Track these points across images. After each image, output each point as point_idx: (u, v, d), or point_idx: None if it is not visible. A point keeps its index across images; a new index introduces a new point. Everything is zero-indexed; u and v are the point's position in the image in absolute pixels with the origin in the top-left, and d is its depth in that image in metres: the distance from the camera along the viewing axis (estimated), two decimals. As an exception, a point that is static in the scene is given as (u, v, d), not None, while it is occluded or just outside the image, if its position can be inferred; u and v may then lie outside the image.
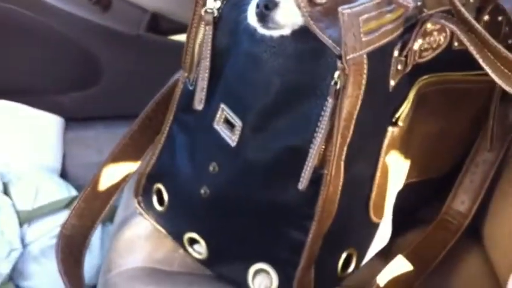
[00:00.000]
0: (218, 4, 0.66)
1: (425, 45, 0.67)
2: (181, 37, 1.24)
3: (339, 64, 0.57)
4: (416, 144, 0.72)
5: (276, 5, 0.58)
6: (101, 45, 1.23)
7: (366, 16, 0.56)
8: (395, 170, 0.69)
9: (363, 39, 0.56)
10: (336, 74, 0.57)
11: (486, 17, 0.71)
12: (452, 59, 0.69)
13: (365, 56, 0.57)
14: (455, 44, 0.69)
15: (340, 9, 0.55)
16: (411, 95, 0.68)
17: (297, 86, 0.61)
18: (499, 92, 0.75)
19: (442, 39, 0.68)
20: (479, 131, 0.80)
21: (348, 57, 0.56)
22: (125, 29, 1.22)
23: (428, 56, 0.68)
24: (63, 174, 1.25)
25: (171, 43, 1.25)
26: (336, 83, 0.58)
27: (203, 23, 0.67)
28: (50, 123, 1.24)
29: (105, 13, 1.21)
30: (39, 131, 1.22)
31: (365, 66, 0.57)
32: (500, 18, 0.72)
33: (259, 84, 0.62)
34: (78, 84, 1.26)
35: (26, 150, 1.20)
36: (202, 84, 0.68)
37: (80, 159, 1.27)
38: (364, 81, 0.58)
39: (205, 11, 0.66)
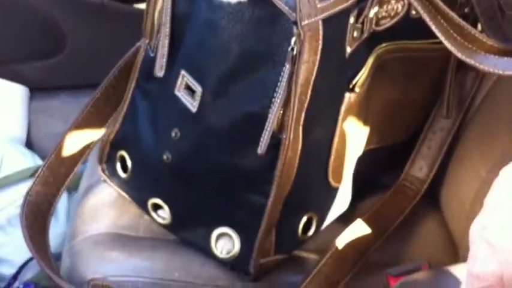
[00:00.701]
0: (177, -30, 0.66)
1: (383, 13, 0.68)
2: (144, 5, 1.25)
3: (294, 30, 0.57)
4: (375, 111, 0.74)
5: None
6: (64, 13, 1.21)
7: None
8: (354, 135, 0.71)
9: (318, 5, 0.57)
10: (293, 40, 0.58)
11: None
12: (410, 27, 0.70)
13: (320, 22, 0.58)
14: (413, 12, 0.70)
15: None
16: (369, 62, 0.69)
17: (254, 52, 0.61)
18: (456, 59, 0.77)
19: (399, 7, 0.69)
20: (437, 99, 0.82)
21: (303, 23, 0.57)
22: (87, -3, 1.20)
23: (386, 24, 0.69)
24: (29, 144, 1.24)
25: (135, 11, 1.24)
26: (292, 49, 0.59)
27: (163, -11, 0.67)
28: (13, 93, 1.22)
29: (68, -20, 1.20)
30: (2, 101, 1.21)
31: (320, 32, 0.58)
32: None
33: (217, 50, 0.63)
34: (41, 53, 1.25)
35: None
36: (163, 50, 0.68)
37: (46, 129, 1.26)
38: (320, 47, 0.59)
39: None
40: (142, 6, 1.25)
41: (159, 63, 0.69)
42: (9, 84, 1.23)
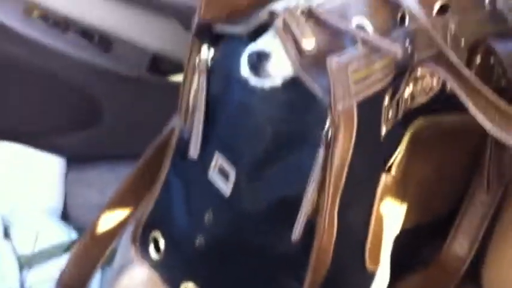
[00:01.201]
0: (212, 53, 0.66)
1: (418, 89, 0.67)
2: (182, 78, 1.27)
3: (328, 114, 0.57)
4: (412, 188, 0.72)
5: (267, 56, 0.59)
6: (101, 86, 1.24)
7: (354, 65, 0.57)
8: (391, 216, 0.69)
9: (352, 89, 0.57)
10: (327, 123, 0.58)
11: (478, 59, 0.72)
12: (446, 100, 0.69)
13: (355, 105, 0.57)
14: (449, 87, 0.69)
15: (328, 59, 0.55)
16: (405, 140, 0.68)
17: (288, 135, 0.61)
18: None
19: (434, 82, 0.68)
20: (476, 172, 0.79)
21: (337, 108, 0.56)
22: (126, 70, 1.23)
23: (422, 100, 0.68)
24: (65, 215, 1.25)
25: (171, 83, 1.27)
26: (326, 133, 0.58)
27: (197, 71, 0.68)
28: (50, 164, 1.24)
29: (105, 54, 1.22)
30: (39, 173, 1.23)
31: (355, 116, 0.57)
32: (492, 60, 0.73)
33: (251, 133, 0.63)
34: (78, 124, 1.27)
35: (27, 192, 1.20)
36: (197, 132, 0.68)
37: (82, 199, 1.27)
38: (354, 131, 0.58)
39: (200, 60, 0.66)
40: (177, 78, 1.28)
41: (194, 144, 0.69)
42: (46, 156, 1.25)
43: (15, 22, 1.20)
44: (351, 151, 0.59)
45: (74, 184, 1.27)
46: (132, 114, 1.27)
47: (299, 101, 0.59)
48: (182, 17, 1.13)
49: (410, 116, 0.67)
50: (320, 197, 0.60)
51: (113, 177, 1.24)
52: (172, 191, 0.74)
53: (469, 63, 0.71)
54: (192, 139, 0.69)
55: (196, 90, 0.69)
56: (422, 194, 0.74)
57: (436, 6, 0.69)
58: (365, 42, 0.59)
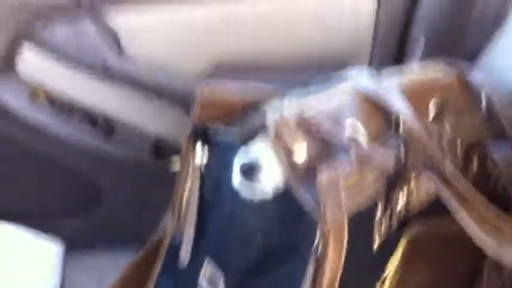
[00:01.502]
0: (205, 160, 0.66)
1: (414, 197, 0.66)
2: None
3: (318, 229, 0.55)
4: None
5: (258, 169, 0.58)
6: (102, 171, 1.23)
7: (346, 178, 0.56)
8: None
9: (343, 204, 0.55)
10: (317, 238, 0.56)
11: (475, 163, 0.71)
12: (442, 206, 0.67)
13: (345, 221, 0.56)
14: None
15: (318, 173, 0.54)
16: (400, 248, 0.66)
17: (279, 247, 0.60)
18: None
19: (431, 189, 0.67)
20: (474, 277, 0.77)
21: (326, 223, 0.55)
22: (128, 154, 1.22)
23: (418, 206, 0.66)
24: (62, 302, 1.22)
25: (171, 170, 1.26)
26: (317, 247, 0.56)
27: (191, 177, 0.67)
28: (48, 249, 1.22)
29: (108, 138, 1.22)
30: (37, 257, 1.21)
31: (345, 231, 0.56)
32: (489, 161, 0.71)
33: (242, 243, 0.62)
34: (78, 209, 1.26)
35: (25, 277, 1.18)
36: (188, 237, 0.67)
37: (80, 286, 1.24)
38: (344, 247, 0.56)
39: (194, 166, 0.66)
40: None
41: (185, 249, 0.68)
42: (44, 240, 1.23)
43: (21, 105, 1.21)
44: (341, 266, 0.57)
45: (73, 270, 1.25)
46: (133, 199, 1.26)
47: (290, 214, 0.58)
48: (186, 103, 1.14)
49: (406, 222, 0.66)
50: (310, 314, 0.58)
51: (112, 263, 1.21)
52: (163, 291, 0.73)
53: (465, 167, 0.70)
54: (183, 243, 0.68)
55: (188, 196, 0.68)
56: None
57: (432, 109, 0.69)
58: (359, 152, 0.58)
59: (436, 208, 0.68)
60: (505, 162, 0.69)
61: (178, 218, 0.70)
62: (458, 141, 0.69)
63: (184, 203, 0.69)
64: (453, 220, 0.69)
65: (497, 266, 0.75)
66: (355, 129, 0.61)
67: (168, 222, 0.76)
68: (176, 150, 1.26)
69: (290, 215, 0.59)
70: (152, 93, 1.15)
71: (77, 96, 1.20)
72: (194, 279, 0.66)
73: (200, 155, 0.66)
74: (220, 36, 1.12)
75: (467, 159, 0.70)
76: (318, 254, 0.56)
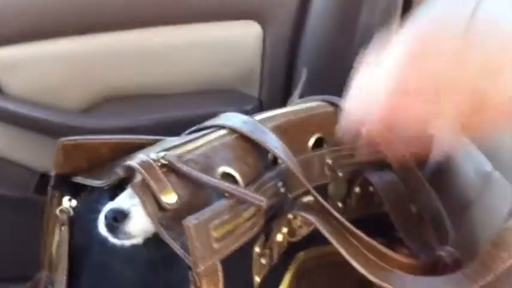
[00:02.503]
0: (74, 203, 0.63)
1: (298, 224, 0.65)
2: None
3: (190, 276, 0.53)
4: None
5: (125, 216, 0.56)
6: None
7: (216, 222, 0.54)
8: None
9: (215, 246, 0.53)
10: (190, 283, 0.54)
11: (357, 189, 0.72)
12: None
13: (218, 263, 0.54)
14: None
15: (184, 221, 0.52)
16: (287, 278, 0.65)
17: None
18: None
19: (296, 220, 0.66)
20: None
21: (197, 269, 0.52)
22: (10, 192, 1.16)
23: (303, 233, 0.66)
24: None
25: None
26: None
27: (58, 223, 0.63)
28: None
29: (-12, 176, 1.16)
30: None
31: (219, 274, 0.54)
32: (371, 188, 0.73)
33: None
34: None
35: None
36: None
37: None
38: None
39: (60, 211, 0.62)
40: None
41: (58, 301, 0.63)
42: None
43: None
44: (219, 310, 0.55)
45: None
46: (15, 237, 1.20)
47: (162, 260, 0.56)
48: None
49: (291, 250, 0.65)
50: None
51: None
52: None
53: (348, 193, 0.71)
54: (56, 295, 0.64)
55: (58, 241, 0.64)
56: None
57: (311, 141, 0.69)
58: (230, 194, 0.56)
59: (319, 236, 0.68)
60: (383, 187, 0.70)
61: (50, 268, 0.66)
62: (340, 171, 0.70)
63: (54, 251, 0.65)
64: (334, 247, 0.70)
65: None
66: (228, 175, 0.60)
67: (36, 279, 0.71)
68: None
69: (162, 261, 0.56)
70: (33, 129, 1.11)
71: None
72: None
73: (67, 202, 0.63)
74: (106, 68, 1.10)
75: (350, 186, 0.71)
76: None
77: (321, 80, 0.99)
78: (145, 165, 0.55)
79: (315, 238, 0.67)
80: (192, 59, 1.11)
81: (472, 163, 0.74)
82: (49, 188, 0.63)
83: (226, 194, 0.56)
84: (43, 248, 0.66)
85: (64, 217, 0.62)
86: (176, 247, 0.54)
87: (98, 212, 0.58)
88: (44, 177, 1.19)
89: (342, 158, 0.71)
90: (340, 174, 0.70)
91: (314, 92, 0.80)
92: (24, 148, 1.16)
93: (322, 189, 0.65)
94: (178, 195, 0.56)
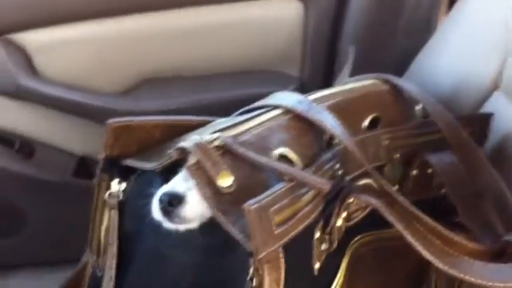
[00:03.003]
0: (123, 186, 0.60)
1: (354, 208, 0.62)
2: None
3: (251, 262, 0.51)
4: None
5: (181, 200, 0.53)
6: (24, 194, 1.16)
7: (277, 206, 0.51)
8: None
9: (276, 232, 0.51)
10: (251, 270, 0.51)
11: (415, 171, 0.69)
12: (380, 218, 0.65)
13: (280, 249, 0.51)
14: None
15: (245, 205, 0.49)
16: (343, 265, 0.63)
17: (208, 282, 0.55)
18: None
19: (357, 203, 0.64)
20: (420, 285, 0.75)
21: (259, 255, 0.50)
22: (50, 176, 1.16)
23: (358, 217, 0.63)
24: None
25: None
26: (251, 279, 0.52)
27: (108, 207, 0.61)
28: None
29: (28, 161, 1.16)
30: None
31: (281, 260, 0.52)
32: (429, 170, 0.69)
33: (167, 280, 0.56)
34: (2, 231, 1.19)
35: None
36: (110, 273, 0.61)
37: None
38: (282, 277, 0.52)
39: (110, 195, 0.60)
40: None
41: (106, 286, 0.61)
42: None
43: None
44: (280, 294, 0.52)
45: (-4, 292, 1.18)
46: (57, 220, 1.19)
47: (218, 246, 0.54)
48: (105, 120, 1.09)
49: (347, 236, 0.62)
50: None
51: (35, 285, 1.15)
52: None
53: (405, 176, 0.68)
54: (105, 279, 0.62)
55: (107, 226, 0.62)
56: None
57: (366, 121, 0.66)
58: (290, 177, 0.54)
59: (377, 218, 0.65)
60: (443, 169, 0.66)
61: (98, 252, 0.64)
62: (396, 152, 0.67)
63: (102, 236, 0.64)
64: (392, 231, 0.67)
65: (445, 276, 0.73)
66: (285, 156, 0.58)
67: (86, 258, 0.70)
68: None
69: (219, 247, 0.54)
70: (70, 112, 1.10)
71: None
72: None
73: (117, 185, 0.60)
74: (145, 49, 1.08)
75: (406, 168, 0.68)
76: (254, 285, 0.51)
77: (367, 58, 0.96)
78: (200, 147, 0.53)
79: (369, 223, 0.64)
80: (232, 39, 1.09)
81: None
82: (98, 171, 0.61)
83: (285, 177, 0.54)
84: (91, 232, 0.65)
85: (113, 201, 0.60)
86: (235, 232, 0.51)
87: (150, 195, 0.56)
88: (82, 160, 1.19)
89: (399, 138, 0.68)
90: (397, 155, 0.67)
91: (359, 72, 0.77)
92: (62, 132, 1.16)
93: (377, 172, 0.62)
94: (235, 178, 0.53)
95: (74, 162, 1.18)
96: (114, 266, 0.61)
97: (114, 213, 0.60)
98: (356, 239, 0.64)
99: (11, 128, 1.14)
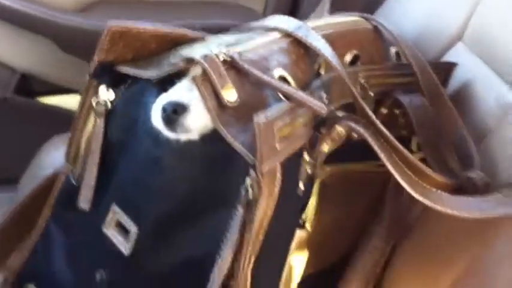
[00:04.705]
0: (112, 96, 0.59)
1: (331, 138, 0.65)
2: (53, 100, 1.18)
3: (251, 173, 0.52)
4: (317, 236, 0.69)
5: (185, 109, 0.53)
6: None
7: (280, 123, 0.53)
8: (300, 267, 0.66)
9: (278, 148, 0.52)
10: (247, 182, 0.53)
11: (384, 110, 0.72)
12: (352, 149, 0.67)
13: (278, 164, 0.53)
14: (355, 135, 0.68)
15: (255, 118, 0.50)
16: (315, 191, 0.65)
17: (203, 193, 0.56)
18: (394, 179, 0.75)
19: (343, 131, 0.66)
20: (374, 218, 0.79)
21: (262, 167, 0.51)
22: (-9, 91, 1.11)
23: (329, 147, 0.66)
24: None
25: (41, 106, 1.17)
26: (246, 192, 0.53)
27: (93, 114, 0.60)
28: None
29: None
30: None
31: (278, 175, 0.53)
32: (397, 111, 0.73)
33: (161, 189, 0.57)
34: None
35: None
36: (90, 181, 0.60)
37: None
38: (277, 190, 0.54)
39: (98, 102, 0.59)
40: (49, 100, 1.18)
41: (85, 194, 0.61)
42: None
43: None
44: (272, 210, 0.54)
45: None
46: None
47: (217, 157, 0.54)
48: (60, 38, 1.05)
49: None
50: (235, 257, 0.55)
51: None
52: (53, 243, 0.66)
53: (374, 113, 0.70)
54: (83, 188, 0.61)
55: (90, 133, 0.61)
56: (326, 240, 0.71)
57: (348, 57, 0.68)
58: (290, 97, 0.55)
59: (345, 152, 0.68)
60: (413, 109, 0.69)
61: (75, 160, 0.63)
62: (370, 90, 0.69)
63: (83, 143, 0.62)
64: (360, 163, 0.70)
65: (397, 204, 0.77)
66: (283, 78, 0.59)
67: (56, 169, 0.68)
68: (44, 87, 1.18)
69: (218, 159, 0.55)
70: (20, 26, 1.05)
71: None
72: (96, 227, 0.60)
73: (105, 93, 0.59)
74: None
75: (377, 106, 0.70)
76: (250, 198, 0.53)
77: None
78: (208, 59, 0.53)
79: (339, 154, 0.67)
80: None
81: (493, 91, 0.75)
82: (87, 76, 0.59)
83: (282, 97, 0.55)
84: (70, 140, 0.63)
85: (101, 109, 0.59)
86: (236, 145, 0.52)
87: (142, 104, 0.55)
88: (24, 77, 1.15)
89: (375, 77, 0.70)
90: (371, 93, 0.69)
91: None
92: (5, 45, 1.11)
93: (350, 107, 0.64)
94: (238, 93, 0.54)
95: (16, 78, 1.14)
96: (95, 175, 0.60)
97: (100, 121, 0.59)
98: (326, 169, 0.67)
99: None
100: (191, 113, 0.53)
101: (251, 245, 0.54)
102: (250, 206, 0.53)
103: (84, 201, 0.61)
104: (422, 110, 0.70)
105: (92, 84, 0.60)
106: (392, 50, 0.74)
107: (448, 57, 0.82)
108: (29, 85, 1.18)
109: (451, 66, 0.79)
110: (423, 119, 0.70)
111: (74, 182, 0.64)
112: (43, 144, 0.94)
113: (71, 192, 0.63)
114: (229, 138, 0.52)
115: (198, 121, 0.54)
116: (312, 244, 0.68)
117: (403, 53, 0.72)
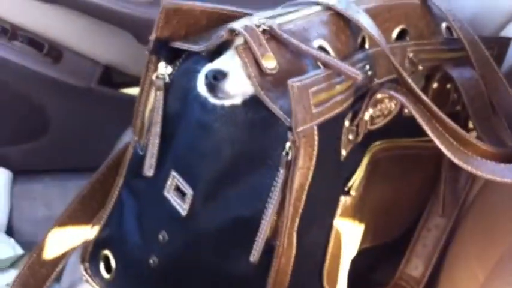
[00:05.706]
0: (170, 70, 0.65)
1: (377, 112, 0.67)
2: (134, 90, 1.24)
3: (289, 136, 0.56)
4: (369, 210, 0.72)
5: (225, 75, 0.58)
6: (50, 97, 1.20)
7: (315, 88, 0.56)
8: (349, 237, 0.69)
9: (313, 111, 0.56)
10: (287, 145, 0.57)
11: (435, 85, 0.73)
12: (403, 124, 0.69)
13: (315, 127, 0.57)
14: (406, 111, 0.70)
15: (289, 81, 0.54)
16: (364, 162, 0.68)
17: (247, 155, 0.60)
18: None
19: (393, 106, 0.69)
20: (430, 195, 0.80)
21: (298, 130, 0.55)
22: (76, 81, 1.20)
23: (380, 122, 0.68)
24: (9, 229, 1.20)
25: (122, 96, 1.24)
26: (287, 154, 0.57)
27: (154, 88, 0.66)
28: (-4, 177, 1.20)
29: (55, 65, 1.19)
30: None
31: (315, 137, 0.57)
32: (448, 85, 0.74)
33: (210, 153, 0.61)
34: (26, 135, 1.23)
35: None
36: (153, 150, 0.66)
37: (27, 213, 1.22)
38: (315, 153, 0.57)
39: (157, 77, 0.65)
40: (129, 91, 1.25)
41: (149, 162, 0.67)
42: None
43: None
44: (311, 173, 0.58)
45: (19, 198, 1.23)
46: (80, 127, 1.24)
47: (259, 121, 0.58)
48: (136, 29, 1.11)
49: (369, 138, 0.67)
50: (279, 218, 0.59)
51: (59, 191, 1.20)
52: (125, 209, 0.72)
53: (425, 88, 0.72)
54: (147, 156, 0.67)
55: (152, 106, 0.67)
56: (379, 216, 0.74)
57: (395, 32, 0.70)
58: (327, 65, 0.58)
59: (397, 127, 0.70)
60: (465, 84, 0.70)
61: (141, 132, 0.69)
62: (420, 65, 0.71)
63: (147, 116, 0.68)
64: (413, 138, 0.72)
65: (454, 181, 0.78)
66: (323, 49, 0.62)
67: (126, 140, 0.74)
68: (127, 78, 1.25)
69: (259, 123, 0.59)
70: (100, 19, 1.12)
71: (19, 20, 1.16)
72: (159, 192, 0.66)
73: (163, 67, 0.65)
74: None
75: (428, 81, 0.72)
76: (289, 159, 0.56)
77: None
78: (249, 29, 0.57)
79: (390, 130, 0.69)
80: None
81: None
82: (147, 53, 0.65)
83: (323, 65, 0.58)
84: (136, 113, 0.69)
85: (160, 82, 0.64)
86: (275, 109, 0.56)
87: (196, 74, 0.60)
88: (107, 69, 1.22)
89: (424, 52, 0.71)
90: (420, 67, 0.71)
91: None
92: (90, 39, 1.19)
93: (398, 82, 0.66)
94: (277, 61, 0.58)
95: (99, 70, 1.22)
96: (157, 144, 0.66)
97: (160, 94, 0.65)
98: (377, 143, 0.69)
99: (41, 32, 1.17)
100: (230, 78, 0.58)
101: (292, 206, 0.58)
102: (290, 167, 0.57)
103: (149, 168, 0.67)
104: (472, 83, 0.71)
105: (151, 60, 0.65)
106: (443, 25, 0.76)
107: (505, 34, 0.82)
108: (112, 76, 1.26)
109: (505, 41, 0.79)
110: (473, 92, 0.71)
111: (140, 152, 0.69)
112: (124, 131, 1.00)
113: (139, 161, 0.68)
114: (268, 102, 0.56)
115: (238, 86, 0.58)
116: (363, 216, 0.70)
117: (453, 28, 0.73)
